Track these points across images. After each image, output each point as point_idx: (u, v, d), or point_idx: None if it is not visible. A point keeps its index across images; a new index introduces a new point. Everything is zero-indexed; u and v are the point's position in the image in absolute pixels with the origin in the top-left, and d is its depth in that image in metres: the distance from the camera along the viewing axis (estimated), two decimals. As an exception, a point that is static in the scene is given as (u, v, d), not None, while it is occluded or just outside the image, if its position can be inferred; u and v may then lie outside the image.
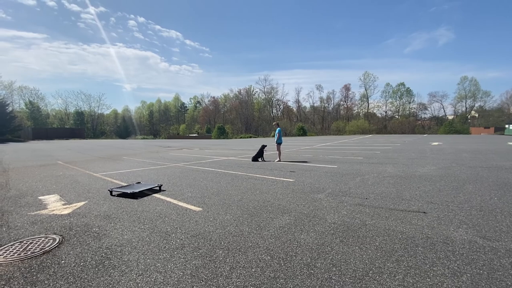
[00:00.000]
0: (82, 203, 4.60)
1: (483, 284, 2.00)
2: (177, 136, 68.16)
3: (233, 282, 2.10)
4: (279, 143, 10.68)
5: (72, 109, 79.53)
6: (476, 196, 4.51)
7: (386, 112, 70.72)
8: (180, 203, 4.43)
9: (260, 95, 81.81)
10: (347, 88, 72.13)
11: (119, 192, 5.09)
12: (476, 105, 63.49)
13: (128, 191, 4.98)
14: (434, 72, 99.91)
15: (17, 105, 70.31)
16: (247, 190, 5.31)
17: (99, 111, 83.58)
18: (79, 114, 76.46)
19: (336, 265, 2.33)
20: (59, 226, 3.48)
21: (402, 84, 68.41)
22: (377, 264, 2.34)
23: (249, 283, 2.09)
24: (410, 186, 5.32)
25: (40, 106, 75.01)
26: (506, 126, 42.46)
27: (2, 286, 2.14)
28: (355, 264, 2.34)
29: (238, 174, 7.40)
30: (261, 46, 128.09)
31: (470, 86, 62.49)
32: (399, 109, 69.53)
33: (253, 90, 79.95)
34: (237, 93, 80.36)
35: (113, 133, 79.17)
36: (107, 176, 7.49)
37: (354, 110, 73.81)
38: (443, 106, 66.79)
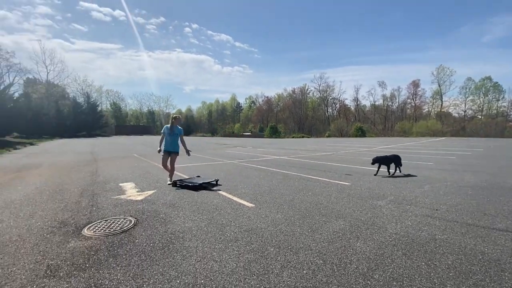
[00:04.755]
0: (152, 191, 5.24)
1: None
2: (232, 134, 71.44)
3: (284, 281, 2.11)
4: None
5: (145, 109, 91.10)
6: None
7: (465, 111, 60.33)
8: (234, 198, 4.65)
9: (314, 94, 79.51)
10: (415, 84, 64.03)
11: (182, 184, 5.62)
12: None
13: (190, 183, 5.47)
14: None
15: (104, 105, 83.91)
16: (299, 191, 5.25)
17: (167, 111, 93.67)
18: (151, 113, 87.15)
19: (398, 279, 2.13)
20: (134, 210, 4.04)
21: (488, 78, 57.16)
22: (448, 285, 2.04)
23: (300, 284, 2.07)
24: (496, 200, 4.46)
25: (121, 107, 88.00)
26: None
27: (92, 255, 2.60)
28: (421, 282, 2.09)
29: (290, 173, 7.36)
30: (312, 44, 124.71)
31: None
32: (482, 108, 58.44)
33: (307, 89, 78.17)
34: (291, 92, 79.68)
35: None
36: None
37: (424, 109, 65.23)
38: (547, 104, 53.63)
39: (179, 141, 6.18)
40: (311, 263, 2.38)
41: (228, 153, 14.47)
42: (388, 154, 7.48)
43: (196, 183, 5.49)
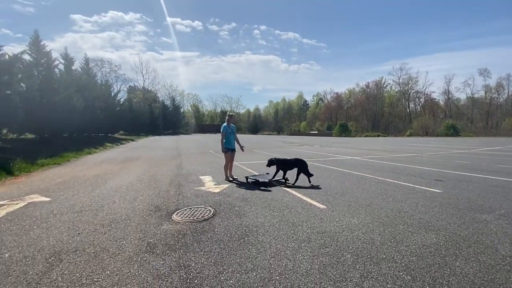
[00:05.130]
0: (227, 185, 5.64)
1: None
2: (298, 132, 70.57)
3: (364, 292, 1.94)
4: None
5: (218, 109, 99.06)
6: None
7: None
8: (305, 198, 4.57)
9: (393, 88, 70.97)
10: (537, 69, 49.77)
11: (253, 180, 5.86)
12: None
13: (260, 180, 5.66)
14: None
15: (186, 107, 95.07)
16: (377, 195, 4.76)
17: (237, 110, 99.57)
18: (224, 113, 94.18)
19: (521, 317, 1.68)
20: (212, 201, 4.42)
21: None
22: None
23: (384, 299, 1.87)
24: None
25: (199, 108, 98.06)
26: None
27: (180, 238, 2.96)
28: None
29: (365, 176, 6.77)
30: (388, 32, 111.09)
31: None
32: None
33: (384, 83, 70.39)
34: (364, 86, 73.20)
35: (246, 129, 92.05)
36: (243, 165, 8.79)
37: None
38: None
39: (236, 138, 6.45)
40: (397, 278, 2.12)
41: (294, 152, 14.36)
42: (289, 158, 6.09)
43: (266, 180, 5.63)
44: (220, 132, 6.33)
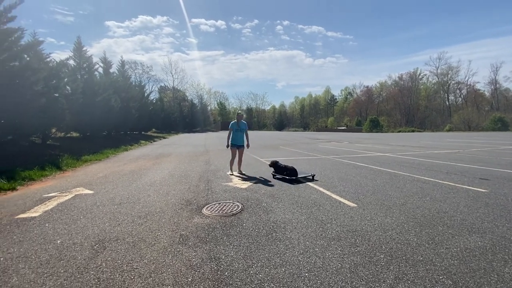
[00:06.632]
0: (254, 181, 5.69)
1: None
2: (325, 128, 68.75)
3: (399, 294, 1.86)
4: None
5: (244, 106, 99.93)
6: None
7: None
8: (333, 195, 4.46)
9: (429, 79, 65.94)
10: None
11: (279, 177, 5.85)
12: None
13: (287, 176, 5.63)
14: None
15: (212, 105, 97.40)
16: (413, 194, 4.49)
17: (262, 107, 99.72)
18: (249, 110, 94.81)
19: None
20: (240, 196, 4.51)
21: None
22: None
23: (421, 303, 1.77)
24: None
25: (225, 105, 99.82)
26: None
27: (211, 231, 3.06)
28: None
29: (398, 173, 6.41)
30: (423, 19, 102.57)
31: None
32: None
33: (419, 74, 65.65)
34: (397, 78, 68.96)
35: (272, 126, 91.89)
36: (269, 161, 8.80)
37: None
38: None
39: (245, 136, 6.78)
40: (436, 282, 1.99)
41: (322, 148, 14.02)
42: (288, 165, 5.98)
43: (293, 177, 5.59)
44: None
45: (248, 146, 6.88)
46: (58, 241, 2.86)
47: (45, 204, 4.34)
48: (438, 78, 64.10)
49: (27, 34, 9.64)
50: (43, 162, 7.97)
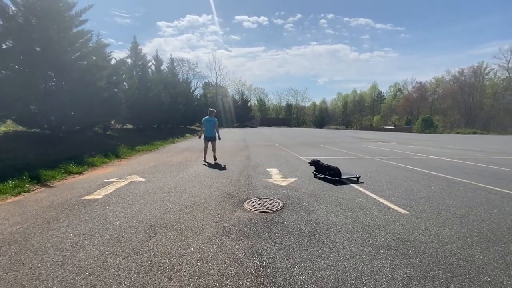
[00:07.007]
0: (294, 179, 5.62)
1: None
2: (370, 127, 64.52)
3: (463, 318, 1.65)
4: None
5: (284, 103, 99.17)
6: None
7: None
8: (381, 200, 4.16)
9: (497, 74, 57.08)
10: None
11: (321, 176, 5.67)
12: None
13: (329, 176, 5.42)
14: None
15: (252, 101, 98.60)
16: (476, 205, 3.96)
17: (302, 104, 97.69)
18: (288, 107, 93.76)
19: None
20: (280, 194, 4.48)
21: None
22: None
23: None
24: None
25: (265, 101, 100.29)
26: None
27: (252, 226, 3.10)
28: None
29: (458, 180, 5.71)
30: (485, 7, 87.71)
31: None
32: None
33: (485, 68, 57.23)
34: (457, 74, 61.20)
35: (311, 123, 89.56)
36: (310, 160, 8.59)
37: None
38: None
39: (215, 129, 8.02)
40: (511, 310, 1.72)
41: (366, 148, 13.19)
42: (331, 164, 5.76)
43: (336, 177, 5.36)
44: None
45: (219, 138, 8.10)
46: (117, 223, 3.19)
47: (106, 188, 4.88)
48: (509, 73, 55.13)
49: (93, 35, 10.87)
50: (105, 151, 8.97)
